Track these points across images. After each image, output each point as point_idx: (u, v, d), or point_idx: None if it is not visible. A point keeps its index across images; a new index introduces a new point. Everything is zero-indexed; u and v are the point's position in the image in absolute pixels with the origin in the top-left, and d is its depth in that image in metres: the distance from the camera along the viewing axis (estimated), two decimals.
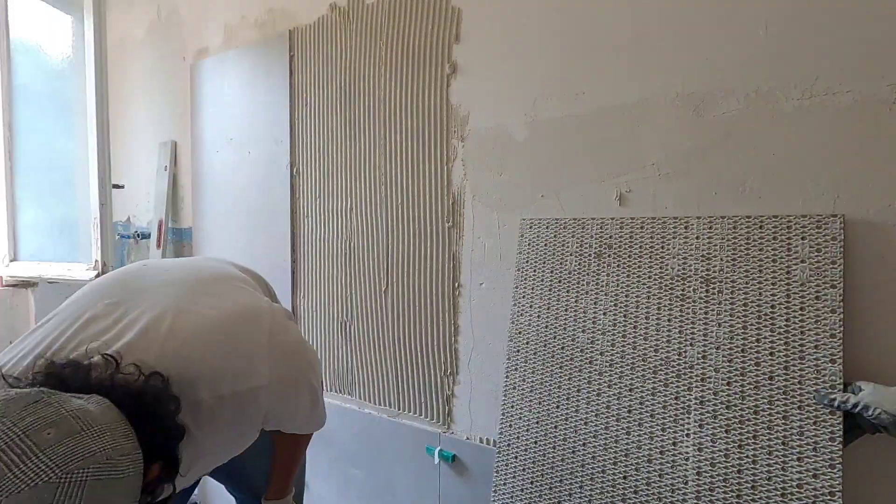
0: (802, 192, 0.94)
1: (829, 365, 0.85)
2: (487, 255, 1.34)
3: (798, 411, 0.86)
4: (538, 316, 1.17)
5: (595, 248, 1.13)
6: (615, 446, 1.01)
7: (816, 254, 0.90)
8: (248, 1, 1.90)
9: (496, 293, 1.32)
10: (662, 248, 1.05)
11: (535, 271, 1.20)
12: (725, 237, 0.98)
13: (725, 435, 0.91)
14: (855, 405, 0.80)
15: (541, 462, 1.09)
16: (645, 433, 0.99)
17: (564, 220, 1.18)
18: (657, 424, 0.98)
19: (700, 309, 0.98)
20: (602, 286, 1.10)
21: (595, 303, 1.10)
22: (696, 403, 0.95)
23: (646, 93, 1.10)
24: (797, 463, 0.84)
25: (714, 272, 0.98)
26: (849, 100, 0.90)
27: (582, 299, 1.12)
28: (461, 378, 1.40)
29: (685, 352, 0.98)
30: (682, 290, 1.01)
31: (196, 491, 2.24)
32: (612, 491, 1.00)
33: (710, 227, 1.00)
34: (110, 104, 1.88)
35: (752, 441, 0.89)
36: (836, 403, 0.82)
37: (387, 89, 1.50)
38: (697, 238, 1.01)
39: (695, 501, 0.91)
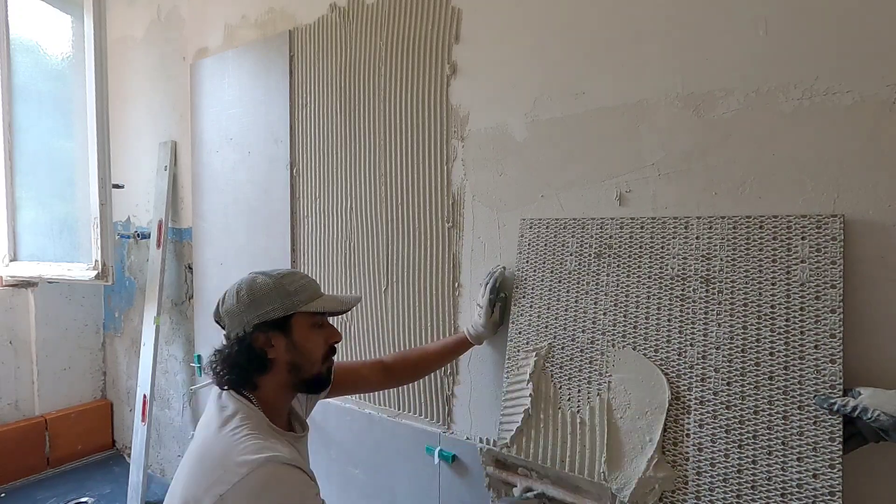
0: (802, 192, 0.94)
1: (829, 365, 0.85)
2: (487, 255, 1.34)
3: (798, 411, 0.86)
4: (538, 316, 1.17)
5: (595, 248, 1.13)
6: None
7: (816, 254, 0.90)
8: (248, 1, 1.90)
9: None
10: (662, 248, 1.05)
11: (535, 271, 1.20)
12: (725, 237, 0.98)
13: (725, 435, 0.91)
14: (854, 408, 0.80)
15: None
16: None
17: (564, 220, 1.18)
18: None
19: (700, 309, 0.98)
20: (602, 286, 1.10)
21: (595, 303, 1.10)
22: (696, 403, 0.95)
23: (646, 93, 1.10)
24: (797, 463, 0.84)
25: (714, 272, 0.98)
26: (849, 100, 0.90)
27: (582, 299, 1.12)
28: (461, 378, 1.40)
29: (685, 352, 0.98)
30: (682, 290, 1.01)
31: None
32: None
33: (710, 228, 1.00)
34: (110, 104, 1.88)
35: (752, 441, 0.89)
36: (835, 407, 0.82)
37: (387, 89, 1.50)
38: (697, 238, 1.01)
39: (695, 501, 0.91)
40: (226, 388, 0.93)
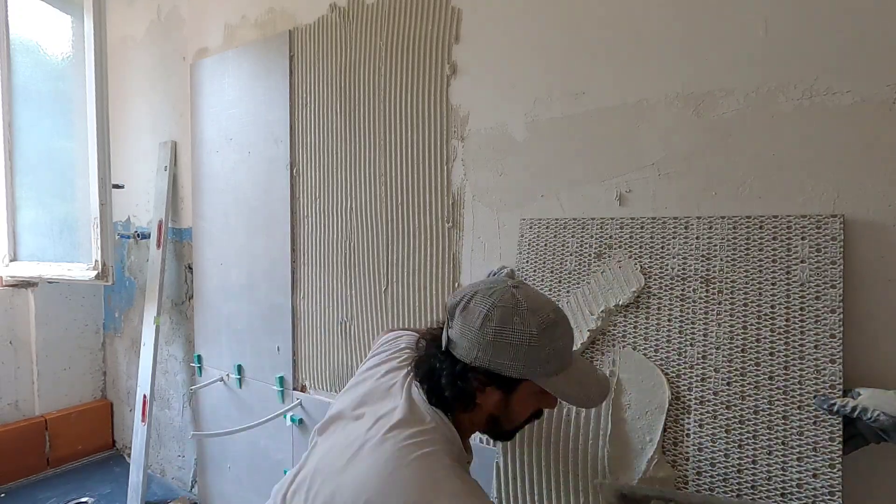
0: (802, 192, 0.94)
1: (829, 365, 0.85)
2: (487, 255, 1.34)
3: (798, 411, 0.86)
4: None
5: (595, 248, 1.13)
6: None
7: (816, 254, 0.90)
8: (248, 1, 1.90)
9: None
10: (662, 248, 1.05)
11: (535, 271, 1.20)
12: (725, 237, 0.98)
13: (725, 435, 0.91)
14: (853, 409, 0.80)
15: (541, 462, 1.08)
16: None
17: (564, 220, 1.19)
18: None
19: (700, 309, 0.98)
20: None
21: None
22: (696, 403, 0.95)
23: (646, 93, 1.10)
24: (797, 463, 0.84)
25: (714, 272, 0.98)
26: (849, 100, 0.90)
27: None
28: None
29: (685, 352, 0.98)
30: (682, 290, 1.01)
31: (195, 490, 2.24)
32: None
33: (710, 228, 1.00)
34: (110, 104, 1.88)
35: (752, 441, 0.89)
36: (835, 408, 0.82)
37: (387, 89, 1.50)
38: (697, 238, 1.01)
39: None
40: (424, 395, 0.83)
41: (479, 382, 0.80)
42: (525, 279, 1.20)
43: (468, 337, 0.79)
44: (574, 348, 0.88)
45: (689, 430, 0.95)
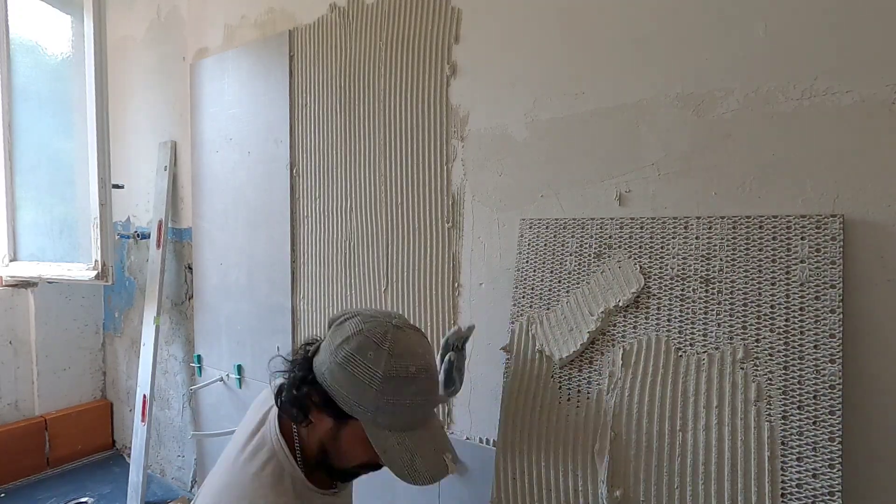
0: (802, 192, 0.94)
1: (829, 365, 0.85)
2: (487, 256, 1.34)
3: (798, 411, 0.86)
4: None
5: (595, 249, 1.13)
6: None
7: (816, 254, 0.90)
8: (248, 1, 1.90)
9: (496, 293, 1.32)
10: (662, 248, 1.05)
11: (534, 271, 1.19)
12: (725, 237, 0.98)
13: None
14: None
15: (541, 462, 1.08)
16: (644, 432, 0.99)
17: (564, 220, 1.18)
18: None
19: (700, 309, 0.98)
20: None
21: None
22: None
23: (646, 93, 1.10)
24: (797, 463, 0.84)
25: (714, 272, 0.98)
26: (849, 100, 0.90)
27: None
28: None
29: (685, 351, 0.98)
30: (682, 290, 1.01)
31: (195, 490, 2.24)
32: None
33: (710, 228, 1.00)
34: (110, 104, 1.88)
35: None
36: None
37: (387, 89, 1.50)
38: (697, 238, 1.01)
39: (692, 502, 0.91)
40: (278, 407, 0.82)
41: (315, 399, 0.78)
42: (525, 279, 1.20)
43: (326, 351, 0.78)
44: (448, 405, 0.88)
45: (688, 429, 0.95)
